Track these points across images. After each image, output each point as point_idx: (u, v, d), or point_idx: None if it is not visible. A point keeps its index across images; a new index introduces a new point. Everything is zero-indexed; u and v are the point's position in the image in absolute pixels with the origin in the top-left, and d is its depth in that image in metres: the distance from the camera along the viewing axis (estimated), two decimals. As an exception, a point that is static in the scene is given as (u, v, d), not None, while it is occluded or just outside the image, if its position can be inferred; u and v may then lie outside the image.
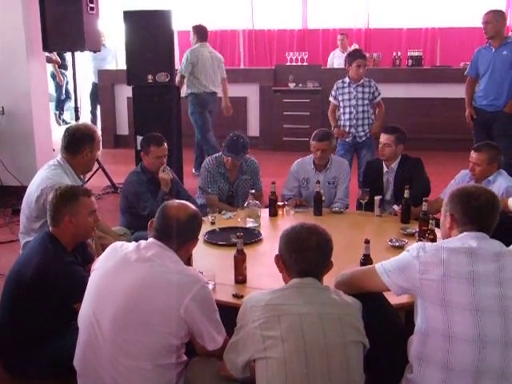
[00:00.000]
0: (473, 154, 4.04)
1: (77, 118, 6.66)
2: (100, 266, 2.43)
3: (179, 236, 2.39)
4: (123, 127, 9.47)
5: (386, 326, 2.39)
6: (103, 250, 2.61)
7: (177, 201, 2.57)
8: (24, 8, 6.11)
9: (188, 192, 4.63)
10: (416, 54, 9.12)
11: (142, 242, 2.42)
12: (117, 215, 4.64)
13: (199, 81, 7.06)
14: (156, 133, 4.52)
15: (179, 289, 2.27)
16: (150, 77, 5.84)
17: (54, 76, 10.82)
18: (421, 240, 3.37)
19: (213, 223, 3.99)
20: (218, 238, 3.62)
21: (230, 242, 3.45)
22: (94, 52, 6.51)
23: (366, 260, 2.89)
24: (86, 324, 2.35)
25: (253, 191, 4.09)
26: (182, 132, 6.27)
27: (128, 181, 4.41)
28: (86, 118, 10.13)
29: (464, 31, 10.15)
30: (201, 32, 7.29)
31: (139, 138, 5.63)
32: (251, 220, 3.92)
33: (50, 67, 10.00)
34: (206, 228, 3.68)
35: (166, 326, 2.27)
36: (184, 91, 7.02)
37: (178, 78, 6.74)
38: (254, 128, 9.22)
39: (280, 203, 4.32)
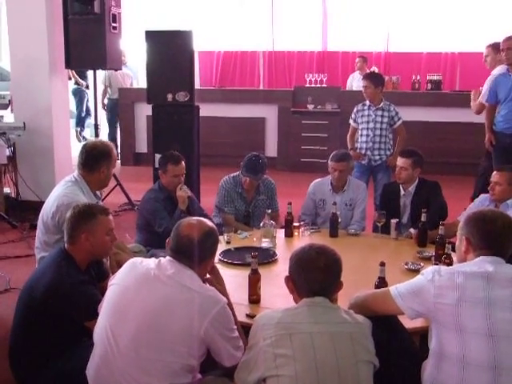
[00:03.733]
0: (495, 175, 4.06)
1: (96, 135, 6.74)
2: (119, 282, 2.43)
3: (196, 255, 2.39)
4: (142, 145, 9.58)
5: (398, 347, 2.37)
6: (118, 267, 2.62)
7: (193, 218, 2.56)
8: (48, 26, 6.22)
9: (204, 211, 4.64)
10: (435, 78, 9.13)
11: (162, 260, 2.42)
12: (133, 232, 4.67)
13: None
14: (174, 151, 4.56)
15: (199, 310, 2.27)
16: (169, 96, 5.90)
17: (75, 93, 10.97)
18: (437, 264, 3.34)
19: (228, 242, 4.00)
20: (233, 258, 3.62)
21: (245, 261, 3.46)
22: (116, 70, 6.58)
23: (381, 283, 2.88)
24: (102, 338, 2.35)
25: (269, 211, 4.10)
26: (201, 151, 6.32)
27: (145, 198, 4.44)
28: (106, 135, 10.25)
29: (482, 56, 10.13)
30: None
31: (158, 156, 5.68)
32: (267, 240, 3.92)
33: (71, 84, 10.14)
34: (221, 247, 3.68)
35: (186, 346, 2.27)
36: None
37: None
38: (271, 149, 9.27)
39: (296, 224, 4.32)
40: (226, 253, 3.73)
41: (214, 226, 2.54)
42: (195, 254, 2.39)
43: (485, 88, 6.17)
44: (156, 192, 4.42)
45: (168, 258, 2.42)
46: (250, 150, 5.06)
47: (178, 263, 2.37)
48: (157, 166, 4.96)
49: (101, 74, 9.28)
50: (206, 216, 4.43)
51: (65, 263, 2.82)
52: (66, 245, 2.90)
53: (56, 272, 2.78)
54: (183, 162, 4.43)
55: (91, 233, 2.85)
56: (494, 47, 6.12)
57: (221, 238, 3.75)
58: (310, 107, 9.08)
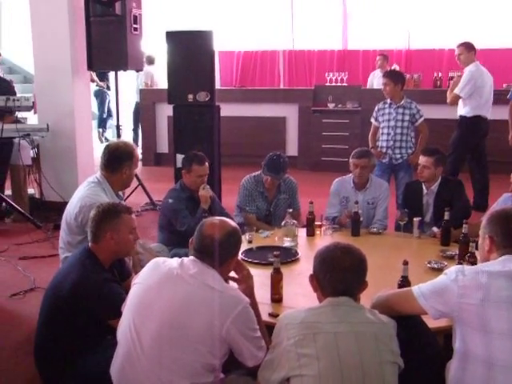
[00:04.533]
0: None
1: (118, 136, 6.78)
2: (142, 281, 2.45)
3: (219, 254, 2.39)
4: (163, 145, 9.62)
5: (423, 347, 2.35)
6: (141, 267, 2.63)
7: (216, 218, 2.56)
8: (70, 28, 6.28)
9: (226, 210, 4.66)
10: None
11: (185, 259, 2.43)
12: (155, 232, 4.70)
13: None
14: (198, 151, 4.58)
15: (221, 309, 2.27)
16: (190, 96, 5.91)
17: (97, 95, 11.07)
18: (461, 263, 3.32)
19: (250, 242, 4.00)
20: (255, 257, 3.62)
21: (267, 260, 3.46)
22: (137, 71, 6.62)
23: (404, 282, 2.86)
24: (126, 337, 2.37)
25: (290, 210, 4.10)
26: (221, 151, 6.34)
27: (167, 198, 4.46)
28: (127, 136, 10.34)
29: (506, 52, 10.03)
30: None
31: (179, 157, 5.71)
32: (288, 239, 3.91)
33: (93, 86, 10.24)
34: (243, 246, 3.68)
35: (208, 346, 2.27)
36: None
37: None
38: (292, 148, 9.26)
39: (318, 223, 4.31)
40: (247, 252, 3.73)
41: (237, 226, 2.55)
42: (218, 254, 2.39)
43: (462, 82, 6.42)
44: (178, 192, 4.44)
45: (191, 257, 2.43)
46: (270, 149, 5.06)
47: (200, 263, 2.38)
48: (178, 166, 4.99)
49: (140, 73, 9.40)
50: (227, 215, 4.44)
51: (89, 262, 2.85)
52: (89, 244, 2.94)
53: (81, 271, 2.81)
54: (207, 163, 4.46)
55: (115, 231, 2.88)
56: (467, 46, 6.50)
57: (242, 237, 3.76)
58: (331, 106, 9.05)
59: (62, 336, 2.83)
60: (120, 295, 2.74)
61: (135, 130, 10.82)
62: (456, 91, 6.45)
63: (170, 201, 4.38)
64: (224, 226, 2.47)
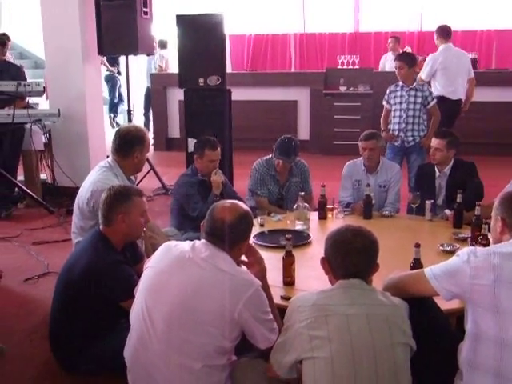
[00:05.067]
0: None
1: (129, 121, 6.79)
2: (154, 265, 2.47)
3: (230, 238, 2.40)
4: (175, 130, 9.64)
5: (435, 329, 2.36)
6: (153, 251, 2.65)
7: (227, 201, 2.57)
8: (81, 13, 6.28)
9: (238, 194, 4.68)
10: (471, 56, 8.94)
11: (197, 243, 2.44)
12: (167, 216, 4.72)
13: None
14: (211, 136, 4.59)
15: (233, 292, 2.29)
16: (201, 80, 5.90)
17: (107, 79, 11.08)
18: (473, 245, 3.31)
19: (262, 225, 4.01)
20: (267, 240, 3.64)
21: (279, 244, 3.47)
22: (148, 55, 6.60)
23: (416, 264, 2.86)
24: (139, 320, 2.39)
25: (302, 194, 4.10)
26: (233, 135, 6.33)
27: (179, 183, 4.48)
28: (138, 120, 10.34)
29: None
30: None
31: (190, 141, 5.72)
32: (300, 223, 3.92)
33: (103, 71, 10.25)
34: (255, 230, 3.69)
35: (219, 328, 2.29)
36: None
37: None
38: (304, 132, 9.25)
39: (329, 206, 4.31)
40: (259, 236, 3.75)
41: (248, 209, 2.55)
42: (229, 237, 2.40)
43: (424, 65, 6.88)
44: (189, 176, 4.46)
45: (202, 240, 2.44)
46: (282, 133, 5.06)
47: (212, 246, 2.39)
48: (190, 150, 4.99)
49: (152, 57, 9.42)
50: (239, 199, 4.45)
51: (101, 244, 2.88)
52: (101, 227, 2.96)
53: (93, 253, 2.84)
54: (219, 148, 4.47)
55: (127, 214, 2.90)
56: (438, 30, 7.00)
57: (254, 221, 3.77)
58: (343, 89, 9.01)
59: (76, 319, 2.87)
60: (132, 277, 2.77)
61: (146, 115, 10.84)
62: (420, 74, 6.77)
63: (182, 187, 4.40)
64: (235, 209, 2.48)
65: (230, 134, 6.15)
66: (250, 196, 4.80)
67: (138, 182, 6.33)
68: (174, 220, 4.46)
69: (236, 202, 2.58)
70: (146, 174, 6.74)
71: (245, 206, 2.54)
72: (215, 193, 4.31)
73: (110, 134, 7.28)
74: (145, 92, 10.70)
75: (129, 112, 6.82)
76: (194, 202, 4.28)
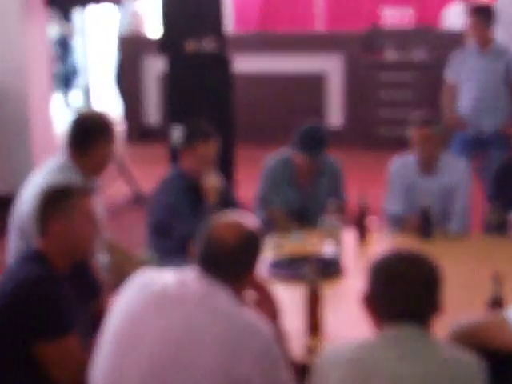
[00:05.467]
0: None
1: (88, 101, 6.80)
2: (123, 306, 2.46)
3: (232, 267, 2.41)
4: (153, 114, 9.69)
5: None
6: (120, 281, 2.65)
7: (227, 215, 2.58)
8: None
9: (243, 205, 4.68)
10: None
11: (185, 274, 2.44)
12: (142, 235, 4.72)
13: None
14: (203, 123, 4.59)
15: (235, 343, 2.28)
16: (190, 43, 5.91)
17: (59, 44, 11.09)
18: None
19: (277, 248, 4.02)
20: (284, 270, 3.65)
21: (300, 275, 3.45)
22: (115, 3, 6.57)
23: (496, 304, 2.85)
24: (104, 381, 2.39)
25: (333, 203, 4.10)
26: (236, 123, 6.33)
27: (160, 189, 4.48)
28: (102, 101, 10.44)
29: None
30: None
31: (176, 130, 5.73)
32: (330, 244, 3.93)
33: (54, 32, 10.27)
34: (266, 255, 3.69)
35: None
36: None
37: None
38: (335, 116, 9.30)
39: (372, 220, 4.31)
40: (273, 263, 3.75)
41: (257, 226, 2.56)
42: (231, 266, 2.41)
43: None
44: (174, 180, 4.45)
45: (193, 270, 2.45)
46: (304, 118, 5.06)
47: (206, 278, 2.38)
48: (174, 143, 4.99)
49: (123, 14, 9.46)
50: (244, 212, 4.45)
51: (34, 265, 2.84)
52: (37, 241, 2.95)
53: (21, 279, 2.77)
54: (215, 140, 4.46)
55: (65, 221, 2.89)
56: None
57: (265, 242, 3.77)
58: (390, 57, 9.02)
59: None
60: (68, 311, 2.74)
61: (118, 93, 10.84)
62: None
63: (164, 195, 4.41)
64: (239, 226, 2.48)
65: (231, 121, 6.15)
66: (260, 207, 4.79)
67: (103, 188, 6.34)
68: (153, 240, 4.46)
69: (240, 216, 2.58)
70: (114, 176, 6.75)
71: (252, 223, 2.54)
72: (210, 203, 4.31)
73: (62, 120, 7.26)
74: (116, 62, 10.68)
75: (87, 89, 6.83)
76: (180, 216, 4.28)
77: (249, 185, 6.79)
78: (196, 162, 4.41)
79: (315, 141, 4.63)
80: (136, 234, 5.37)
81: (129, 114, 9.81)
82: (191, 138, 4.46)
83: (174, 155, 5.55)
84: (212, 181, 4.36)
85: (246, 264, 2.48)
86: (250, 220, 2.55)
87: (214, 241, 2.43)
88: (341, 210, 4.49)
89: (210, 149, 4.43)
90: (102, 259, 3.56)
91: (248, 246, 2.47)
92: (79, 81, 11.30)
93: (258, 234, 2.54)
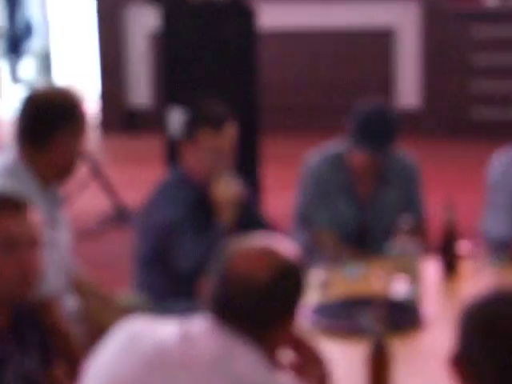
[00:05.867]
0: None
1: (46, 75, 6.85)
2: (102, 371, 2.48)
3: (261, 314, 2.40)
4: (141, 92, 9.81)
5: None
6: (96, 335, 2.67)
7: (252, 238, 2.56)
8: None
9: (272, 224, 4.72)
10: None
11: (189, 326, 2.45)
12: (127, 267, 4.76)
13: None
14: (213, 104, 4.64)
15: None
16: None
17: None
18: None
19: (324, 288, 4.05)
20: (335, 319, 3.65)
21: (359, 326, 3.47)
22: None
23: None
24: None
25: (406, 220, 4.11)
26: (263, 104, 6.35)
27: (153, 201, 4.50)
28: (69, 73, 10.44)
29: None
30: None
31: (175, 115, 5.76)
32: (403, 281, 3.94)
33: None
34: (309, 297, 3.73)
35: None
36: None
37: None
38: (408, 91, 9.34)
39: (463, 244, 4.31)
40: (320, 309, 3.76)
41: (297, 255, 2.58)
42: (260, 313, 2.41)
43: None
44: (173, 188, 4.47)
45: (204, 319, 2.46)
46: (363, 97, 5.07)
47: (224, 330, 2.41)
48: (173, 132, 4.99)
49: None
50: (276, 234, 4.46)
51: None
52: None
53: None
54: (232, 126, 4.49)
55: None
56: None
57: (308, 277, 3.79)
58: (492, 3, 9.01)
59: None
60: None
61: (92, 61, 10.92)
62: None
63: (160, 209, 4.42)
64: (270, 255, 2.47)
65: (255, 101, 6.18)
66: (301, 227, 4.82)
67: (69, 200, 6.39)
68: (143, 275, 4.49)
69: (271, 241, 2.57)
70: (85, 182, 6.80)
71: (289, 249, 2.54)
72: (224, 220, 4.32)
73: (9, 101, 7.37)
74: (90, 13, 10.77)
75: (46, 55, 6.88)
76: (182, 239, 4.29)
77: (281, 194, 6.82)
78: (203, 161, 4.40)
79: (380, 131, 4.63)
80: (118, 265, 5.39)
81: (107, 92, 9.84)
82: (196, 124, 4.46)
83: (173, 151, 5.56)
84: (226, 185, 4.36)
85: (281, 310, 2.46)
86: (285, 246, 2.53)
87: (234, 277, 2.42)
88: (418, 229, 4.51)
89: (223, 138, 4.43)
90: (70, 304, 3.57)
91: (283, 285, 2.44)
92: (33, 44, 11.41)
93: (298, 267, 2.52)
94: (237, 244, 2.56)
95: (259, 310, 2.42)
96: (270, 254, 2.50)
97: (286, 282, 2.47)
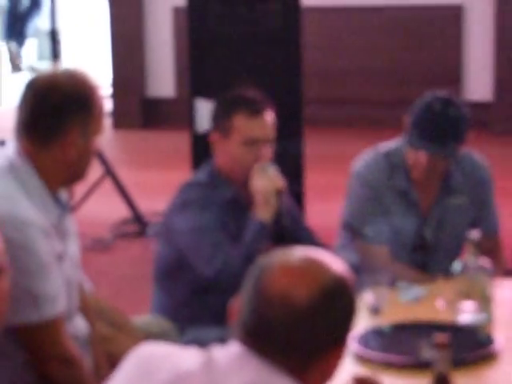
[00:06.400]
0: None
1: (55, 57, 6.86)
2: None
3: (300, 341, 2.37)
4: (163, 80, 9.89)
5: None
6: (108, 364, 2.65)
7: (294, 251, 2.50)
8: None
9: (316, 236, 4.72)
10: None
11: (216, 354, 2.43)
12: (147, 290, 4.75)
13: None
14: (249, 90, 4.61)
15: None
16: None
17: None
18: None
19: (375, 312, 4.03)
20: (390, 349, 3.63)
21: (419, 359, 3.47)
22: None
23: None
24: None
25: (476, 236, 4.08)
26: (307, 94, 6.35)
27: (179, 203, 4.48)
28: (80, 58, 10.50)
29: None
30: None
31: (203, 105, 5.76)
32: (472, 306, 3.91)
33: None
34: (360, 322, 3.70)
35: None
36: None
37: None
38: (480, 81, 9.34)
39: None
40: (371, 336, 3.75)
41: (346, 274, 2.52)
42: (301, 342, 2.38)
43: None
44: (203, 188, 4.44)
45: (236, 346, 2.43)
46: (425, 87, 5.05)
47: (258, 360, 2.37)
48: (201, 128, 4.99)
49: None
50: (320, 247, 4.44)
51: None
52: None
53: None
54: (271, 113, 4.52)
55: None
56: None
57: (359, 301, 3.76)
58: None
59: None
60: None
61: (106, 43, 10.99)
62: None
63: (187, 213, 4.40)
64: (314, 271, 2.43)
65: (298, 91, 6.18)
66: (347, 240, 4.80)
67: (77, 205, 6.39)
68: (164, 295, 4.47)
69: (314, 253, 2.55)
70: (97, 184, 6.82)
71: (336, 265, 2.54)
72: (261, 219, 4.29)
73: (9, 89, 7.42)
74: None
75: (54, 35, 6.89)
76: (210, 243, 4.26)
77: (325, 199, 6.81)
78: (239, 154, 4.37)
79: (444, 127, 4.60)
80: (134, 282, 5.39)
81: (122, 80, 9.89)
82: (230, 111, 4.43)
83: (200, 149, 5.56)
84: (266, 178, 4.31)
85: (326, 339, 2.42)
86: (332, 261, 2.51)
87: (269, 295, 2.38)
88: (490, 245, 4.49)
89: (261, 126, 4.40)
90: (80, 327, 3.55)
91: (329, 307, 2.39)
92: (39, 24, 11.45)
93: (348, 287, 2.49)
94: (274, 256, 2.49)
95: (298, 337, 2.37)
96: (313, 270, 2.44)
97: (333, 304, 2.39)
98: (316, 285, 2.40)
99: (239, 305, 2.45)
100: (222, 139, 4.41)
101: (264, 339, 2.38)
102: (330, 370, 2.52)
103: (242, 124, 4.35)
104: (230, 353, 2.39)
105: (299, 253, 2.53)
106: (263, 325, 2.39)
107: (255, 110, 4.38)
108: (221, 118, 4.45)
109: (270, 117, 4.41)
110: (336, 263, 2.51)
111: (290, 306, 2.35)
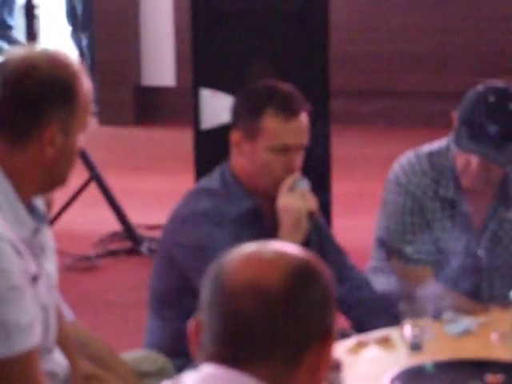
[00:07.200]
0: None
1: (31, 36, 6.91)
2: None
3: (285, 334, 2.32)
4: (161, 67, 9.95)
5: None
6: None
7: (246, 245, 2.53)
8: None
9: (348, 259, 4.72)
10: None
11: (187, 378, 2.41)
12: (139, 317, 4.75)
13: None
14: (280, 82, 4.61)
15: None
16: None
17: None
18: None
19: (417, 347, 4.03)
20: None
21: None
22: None
23: None
24: None
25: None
26: (333, 85, 6.36)
27: (183, 218, 4.49)
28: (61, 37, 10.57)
29: None
30: None
31: (208, 98, 5.77)
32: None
33: None
34: (398, 360, 3.71)
35: None
36: None
37: None
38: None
39: None
40: (413, 376, 3.75)
41: (313, 257, 2.52)
42: (283, 333, 2.38)
43: None
44: (215, 197, 4.45)
45: (206, 367, 2.42)
46: (475, 78, 5.04)
47: (235, 374, 2.37)
48: (205, 126, 4.99)
49: None
50: (355, 271, 4.46)
51: None
52: None
53: None
54: (306, 115, 4.51)
55: None
56: None
57: (399, 334, 3.76)
58: None
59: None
60: None
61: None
62: None
63: (195, 228, 4.39)
64: (280, 257, 2.41)
65: (325, 80, 6.20)
66: (382, 260, 4.79)
67: (55, 217, 6.40)
68: (161, 328, 4.49)
69: (272, 242, 2.53)
70: (79, 191, 6.84)
71: (298, 250, 2.51)
72: (288, 242, 4.28)
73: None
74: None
75: (29, 8, 6.95)
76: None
77: (350, 213, 6.82)
78: (266, 160, 4.37)
79: (503, 126, 4.59)
80: (125, 310, 5.40)
81: (111, 66, 9.92)
82: (260, 109, 4.42)
83: (206, 147, 5.57)
84: (297, 197, 4.32)
85: (310, 327, 2.35)
86: (293, 248, 2.49)
87: (237, 291, 2.33)
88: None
89: (298, 131, 4.40)
90: (60, 362, 3.54)
91: (306, 290, 2.36)
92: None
93: (319, 267, 2.44)
94: (229, 254, 2.51)
95: (279, 328, 2.33)
96: (278, 255, 2.43)
97: (309, 284, 2.36)
98: (285, 267, 2.40)
99: (200, 321, 2.45)
100: (246, 141, 4.39)
101: (239, 344, 2.37)
102: (318, 371, 2.51)
103: (273, 126, 4.34)
104: (200, 376, 2.40)
105: (256, 244, 2.54)
106: (235, 326, 2.37)
107: (291, 111, 4.37)
108: (247, 116, 4.42)
109: (305, 119, 4.39)
110: (298, 248, 2.53)
111: (262, 294, 2.35)
